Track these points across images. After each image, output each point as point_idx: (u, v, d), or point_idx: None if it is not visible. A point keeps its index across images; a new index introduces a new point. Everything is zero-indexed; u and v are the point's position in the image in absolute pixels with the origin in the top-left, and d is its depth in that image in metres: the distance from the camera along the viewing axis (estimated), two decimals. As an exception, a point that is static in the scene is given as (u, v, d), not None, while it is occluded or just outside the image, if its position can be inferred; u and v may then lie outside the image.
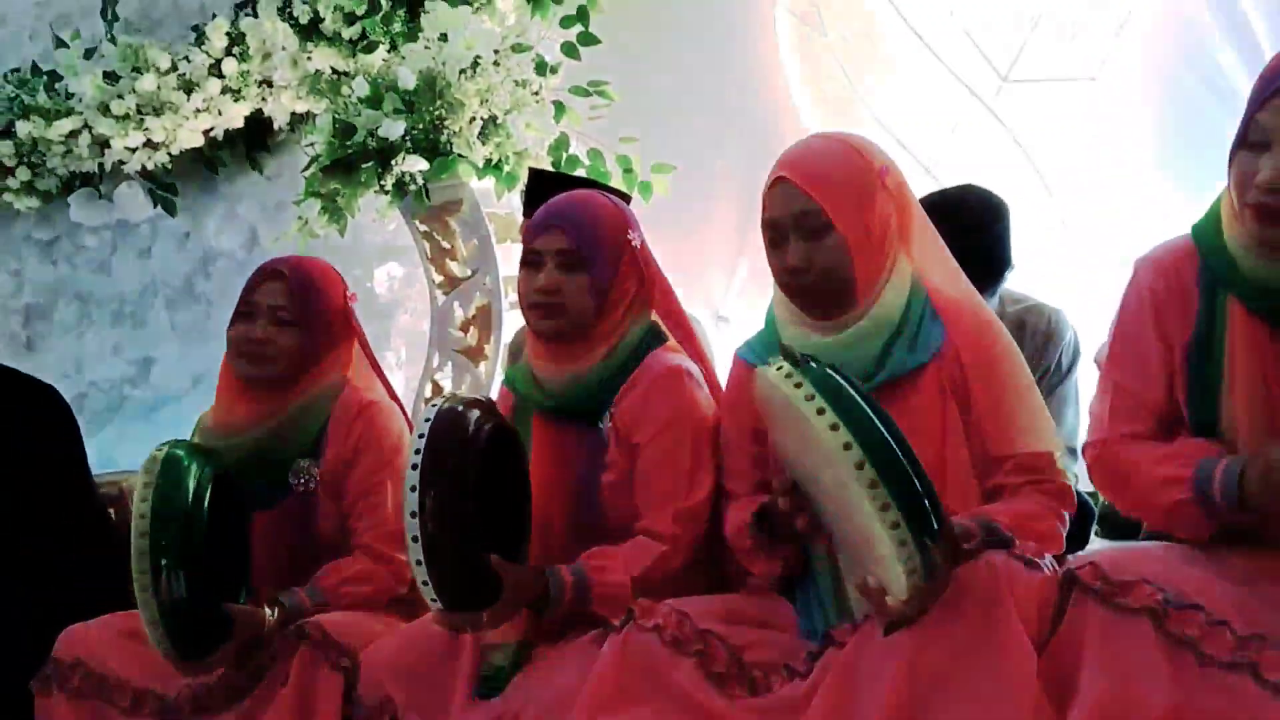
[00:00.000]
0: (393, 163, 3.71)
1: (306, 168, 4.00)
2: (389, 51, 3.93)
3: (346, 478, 2.38)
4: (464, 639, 2.06)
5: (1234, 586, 1.64)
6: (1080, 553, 1.95)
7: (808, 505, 1.80)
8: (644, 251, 2.23)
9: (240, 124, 4.50)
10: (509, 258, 3.78)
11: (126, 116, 4.44)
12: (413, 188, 3.76)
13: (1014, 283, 2.76)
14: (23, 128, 4.61)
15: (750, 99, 4.04)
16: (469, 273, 3.94)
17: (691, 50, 4.12)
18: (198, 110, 4.41)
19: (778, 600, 1.98)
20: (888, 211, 1.97)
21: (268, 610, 2.21)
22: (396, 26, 3.92)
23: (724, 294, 4.09)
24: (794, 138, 2.11)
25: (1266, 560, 1.71)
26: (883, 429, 1.61)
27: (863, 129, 3.59)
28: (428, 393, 3.98)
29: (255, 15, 4.24)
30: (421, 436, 1.94)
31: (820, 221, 1.91)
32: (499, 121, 3.72)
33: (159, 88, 4.38)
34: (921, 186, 2.75)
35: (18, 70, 4.87)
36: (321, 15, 4.03)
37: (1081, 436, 2.30)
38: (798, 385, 1.64)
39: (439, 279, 4.00)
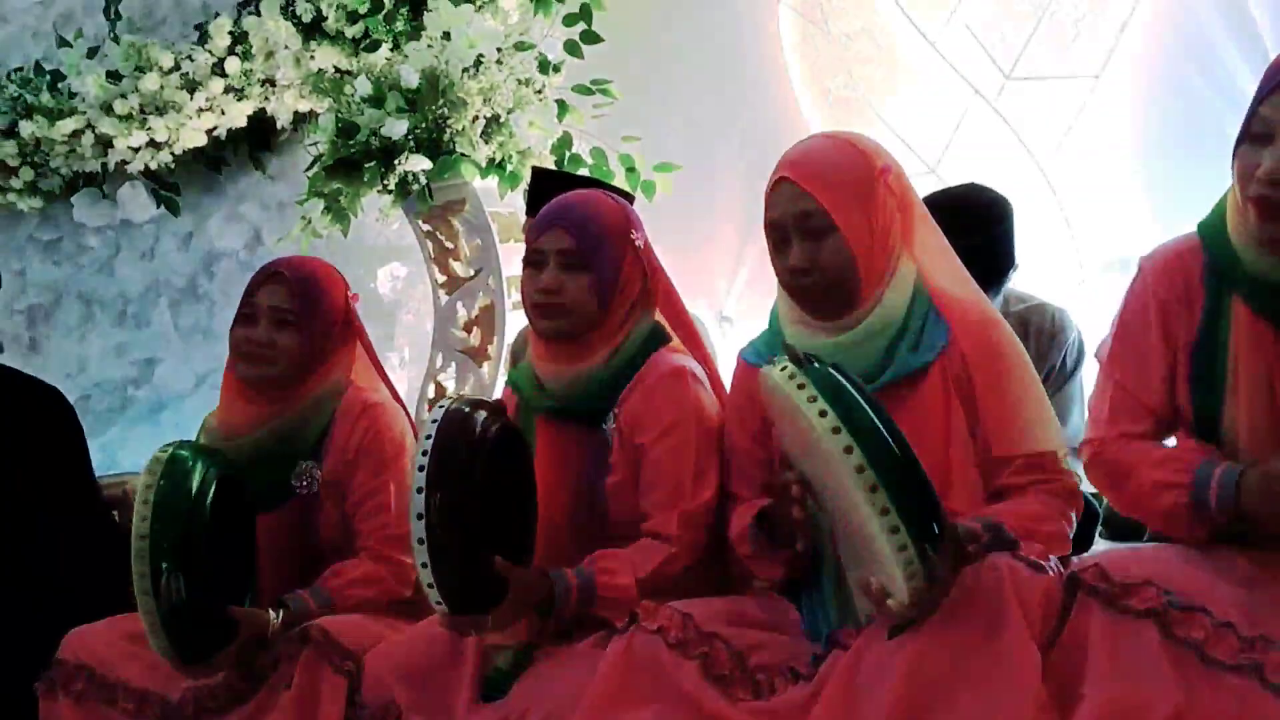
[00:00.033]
0: (396, 162, 3.70)
1: (309, 167, 4.00)
2: (392, 50, 3.94)
3: (349, 479, 2.38)
4: (468, 641, 2.05)
5: (1238, 588, 1.64)
6: (1084, 554, 1.94)
7: (810, 499, 1.80)
8: (647, 251, 2.22)
9: (243, 123, 4.50)
10: (512, 257, 3.78)
11: (129, 116, 4.44)
12: (416, 187, 3.76)
13: (1017, 282, 2.76)
14: (26, 127, 4.62)
15: (753, 97, 4.04)
16: (472, 272, 3.94)
17: (694, 48, 4.12)
18: (200, 109, 4.42)
19: (782, 602, 1.98)
20: (891, 211, 1.96)
21: (271, 613, 2.21)
22: (399, 25, 3.93)
23: (727, 293, 4.09)
24: (797, 136, 2.10)
25: (1271, 562, 1.71)
26: (885, 432, 1.60)
27: (866, 127, 3.60)
28: (430, 393, 3.98)
29: (258, 14, 4.24)
30: (429, 438, 1.93)
31: (823, 222, 1.91)
32: (502, 120, 3.72)
33: (162, 87, 4.38)
34: (925, 185, 2.74)
35: (21, 70, 4.87)
36: (324, 14, 4.04)
37: (1085, 436, 2.30)
38: (800, 386, 1.64)
39: (442, 279, 4.00)
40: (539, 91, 3.78)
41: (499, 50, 3.74)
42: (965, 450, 1.89)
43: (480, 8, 3.84)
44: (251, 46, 4.29)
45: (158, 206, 4.92)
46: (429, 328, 4.14)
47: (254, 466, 2.34)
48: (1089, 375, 2.69)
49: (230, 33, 4.33)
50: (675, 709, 1.80)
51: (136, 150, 4.54)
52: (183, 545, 2.12)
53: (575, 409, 2.15)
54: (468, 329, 3.95)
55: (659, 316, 2.23)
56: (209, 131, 4.51)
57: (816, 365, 1.68)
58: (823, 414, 1.60)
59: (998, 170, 3.28)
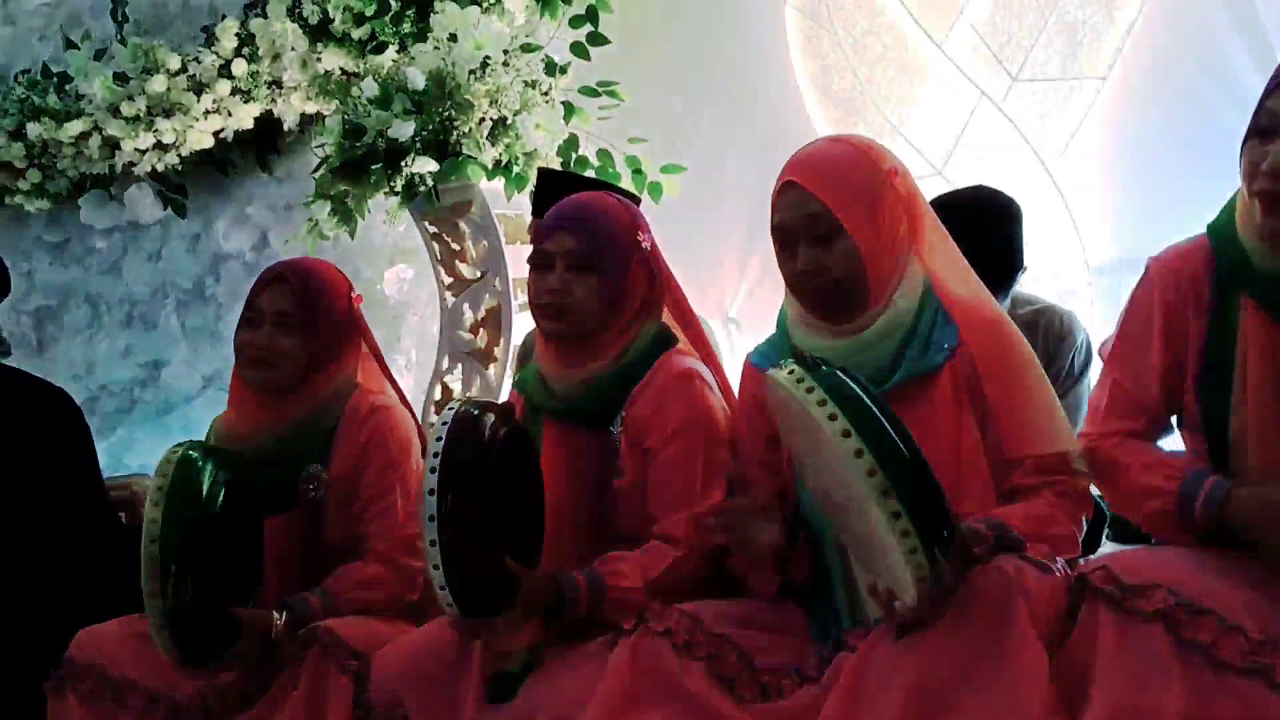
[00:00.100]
0: (402, 164, 3.70)
1: (316, 169, 4.01)
2: (398, 52, 3.94)
3: (356, 482, 2.37)
4: (474, 643, 2.05)
5: (1247, 591, 1.64)
6: (1092, 556, 1.94)
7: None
8: (654, 253, 2.22)
9: (250, 125, 4.50)
10: (519, 259, 3.77)
11: (137, 118, 4.44)
12: (422, 189, 3.76)
13: (1025, 283, 2.75)
14: (33, 129, 4.62)
15: (759, 99, 4.04)
16: (479, 274, 3.93)
17: (700, 50, 4.13)
18: (207, 111, 4.42)
19: (789, 605, 1.97)
20: (898, 213, 1.96)
21: (276, 614, 2.21)
22: (406, 27, 3.93)
23: (734, 296, 4.08)
24: (803, 138, 2.10)
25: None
26: (894, 435, 1.60)
27: (872, 129, 3.60)
28: (437, 395, 3.98)
29: (265, 16, 4.24)
30: (439, 440, 1.93)
31: (830, 225, 1.90)
32: (508, 122, 3.72)
33: (169, 89, 4.39)
34: (931, 187, 2.74)
35: (28, 72, 4.88)
36: (331, 16, 4.04)
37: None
38: (809, 390, 1.63)
39: (449, 280, 4.00)
40: (545, 93, 3.78)
41: (505, 52, 3.74)
42: (976, 452, 1.88)
43: (487, 10, 3.85)
44: (258, 48, 4.29)
45: (165, 208, 4.93)
46: (435, 329, 4.14)
47: (261, 469, 2.34)
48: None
49: (237, 35, 4.34)
50: (682, 711, 1.80)
51: (144, 152, 4.54)
52: (192, 547, 2.12)
53: (582, 411, 2.15)
54: (474, 331, 3.95)
55: (666, 318, 2.23)
56: (216, 133, 4.52)
57: (824, 369, 1.68)
58: (833, 418, 1.60)
59: (1004, 172, 3.28)
